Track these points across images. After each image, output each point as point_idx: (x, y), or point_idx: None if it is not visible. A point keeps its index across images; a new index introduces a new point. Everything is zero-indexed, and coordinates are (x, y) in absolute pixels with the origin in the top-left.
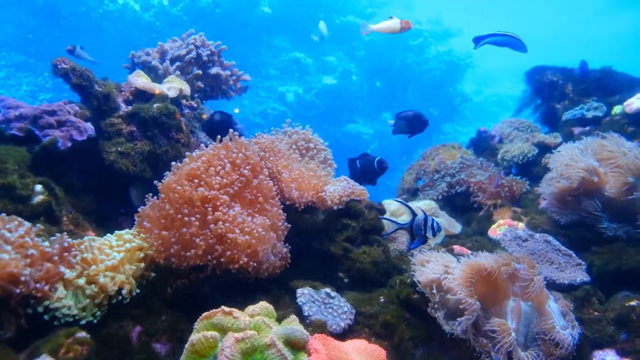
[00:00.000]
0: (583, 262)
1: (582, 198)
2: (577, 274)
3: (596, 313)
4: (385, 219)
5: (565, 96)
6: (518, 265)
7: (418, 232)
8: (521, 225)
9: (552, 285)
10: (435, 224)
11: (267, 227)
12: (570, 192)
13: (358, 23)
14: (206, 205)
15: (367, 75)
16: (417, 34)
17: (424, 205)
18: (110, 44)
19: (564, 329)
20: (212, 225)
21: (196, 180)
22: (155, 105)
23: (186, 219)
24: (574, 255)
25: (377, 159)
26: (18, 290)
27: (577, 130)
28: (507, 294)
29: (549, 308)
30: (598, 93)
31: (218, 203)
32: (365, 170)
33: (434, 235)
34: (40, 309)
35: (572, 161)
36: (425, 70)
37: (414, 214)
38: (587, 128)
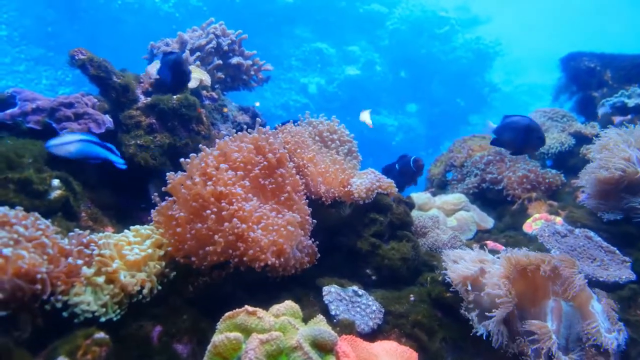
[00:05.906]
0: (628, 259)
1: (624, 190)
2: (622, 272)
3: None
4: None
5: (604, 83)
6: (558, 262)
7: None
8: (559, 219)
9: (594, 284)
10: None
11: (296, 224)
12: (611, 184)
13: (382, 11)
14: (222, 200)
15: (391, 65)
16: (444, 21)
17: (453, 198)
18: (129, 35)
19: (609, 332)
20: (227, 224)
21: (214, 172)
22: (175, 97)
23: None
24: (617, 251)
25: (412, 158)
26: (36, 288)
27: (617, 119)
28: (547, 293)
29: (592, 309)
30: None
31: (233, 198)
32: (404, 171)
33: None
34: (59, 305)
35: (613, 151)
36: (452, 59)
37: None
38: (629, 117)
